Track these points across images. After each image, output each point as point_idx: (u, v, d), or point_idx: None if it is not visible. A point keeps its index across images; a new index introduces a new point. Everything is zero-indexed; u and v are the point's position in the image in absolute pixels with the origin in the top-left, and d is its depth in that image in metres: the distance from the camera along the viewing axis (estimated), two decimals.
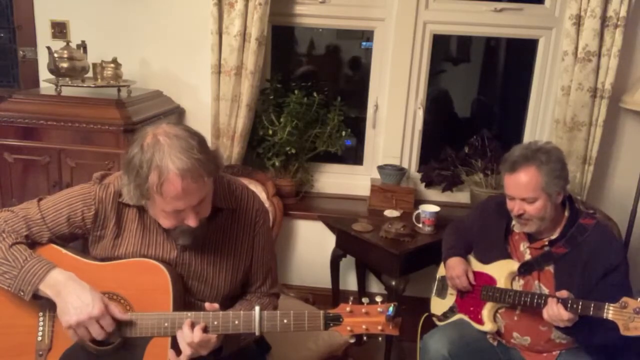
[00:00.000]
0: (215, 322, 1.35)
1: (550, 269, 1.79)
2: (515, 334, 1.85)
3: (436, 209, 2.51)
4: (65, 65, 2.44)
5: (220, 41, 2.65)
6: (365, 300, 1.36)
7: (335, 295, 2.82)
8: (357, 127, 3.07)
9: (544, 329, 1.79)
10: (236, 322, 1.35)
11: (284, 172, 2.90)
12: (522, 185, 1.74)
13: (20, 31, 2.95)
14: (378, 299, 1.36)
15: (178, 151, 1.25)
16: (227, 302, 1.52)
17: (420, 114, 2.93)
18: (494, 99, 3.39)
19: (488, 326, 1.87)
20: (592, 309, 1.54)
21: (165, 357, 1.37)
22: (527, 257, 1.86)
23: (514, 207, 1.78)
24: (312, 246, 2.93)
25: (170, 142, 1.27)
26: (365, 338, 1.36)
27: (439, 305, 2.10)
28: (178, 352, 1.35)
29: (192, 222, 1.33)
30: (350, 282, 2.99)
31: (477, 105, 3.33)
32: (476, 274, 1.95)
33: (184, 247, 1.46)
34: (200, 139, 1.32)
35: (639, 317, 1.45)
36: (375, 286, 2.98)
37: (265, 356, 1.75)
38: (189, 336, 1.32)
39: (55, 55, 2.43)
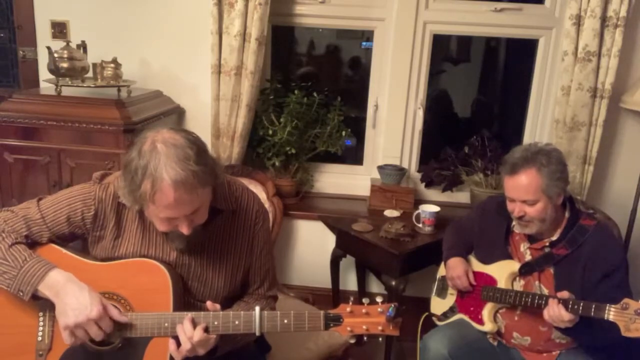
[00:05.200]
0: (216, 322, 1.35)
1: (551, 269, 1.79)
2: (515, 334, 1.85)
3: (436, 209, 2.51)
4: (65, 65, 2.43)
5: (220, 41, 2.65)
6: (365, 300, 1.36)
7: (335, 296, 2.82)
8: (357, 127, 3.06)
9: (544, 329, 1.79)
10: (236, 322, 1.35)
11: (284, 172, 2.89)
12: (522, 188, 1.74)
13: (20, 31, 2.95)
14: (378, 299, 1.36)
15: (174, 161, 1.24)
16: (227, 303, 1.52)
17: (420, 114, 2.93)
18: (494, 99, 3.39)
19: (488, 326, 1.87)
20: (593, 310, 1.53)
21: (165, 357, 1.38)
22: (528, 257, 1.86)
23: (515, 209, 1.78)
24: (312, 246, 2.92)
25: (167, 150, 1.25)
26: (365, 338, 1.36)
27: (439, 305, 2.10)
28: (179, 344, 1.35)
29: (184, 230, 1.33)
30: (350, 282, 2.99)
31: (477, 105, 3.33)
32: (476, 274, 1.95)
33: (182, 249, 1.46)
34: (199, 149, 1.30)
35: None
36: (375, 286, 2.97)
37: (265, 356, 1.75)
38: (189, 331, 1.32)
39: (55, 55, 2.43)
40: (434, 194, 2.99)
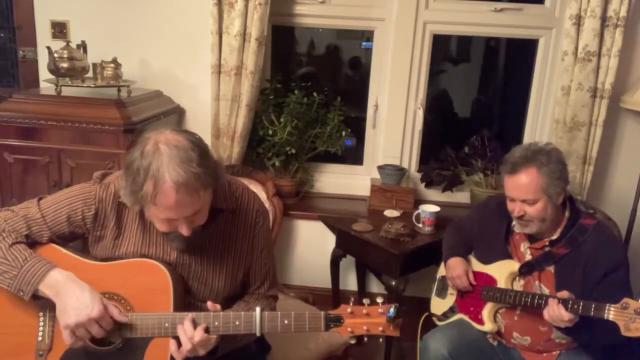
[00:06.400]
0: (216, 323, 1.35)
1: (551, 269, 1.79)
2: (515, 334, 1.85)
3: (436, 209, 2.51)
4: (65, 65, 2.44)
5: (220, 41, 2.65)
6: (366, 301, 1.36)
7: (335, 296, 2.82)
8: (357, 127, 3.07)
9: (544, 329, 1.79)
10: (237, 322, 1.35)
11: (284, 172, 2.90)
12: (522, 187, 1.74)
13: (20, 31, 2.95)
14: (379, 299, 1.36)
15: (176, 163, 1.24)
16: (227, 303, 1.52)
17: (420, 114, 2.93)
18: (494, 99, 3.39)
19: (488, 326, 1.87)
20: (592, 309, 1.53)
21: (166, 357, 1.38)
22: (528, 257, 1.86)
23: (515, 208, 1.78)
24: (312, 246, 2.92)
25: (169, 152, 1.25)
26: (365, 339, 1.36)
27: (439, 305, 2.10)
28: (179, 344, 1.35)
29: (184, 231, 1.33)
30: (350, 282, 2.99)
31: (477, 105, 3.33)
32: (476, 274, 1.95)
33: (182, 249, 1.46)
34: (201, 151, 1.30)
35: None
36: (375, 286, 2.97)
37: (265, 356, 1.75)
38: (190, 331, 1.32)
39: (55, 55, 2.43)
40: (434, 194, 2.99)
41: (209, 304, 1.38)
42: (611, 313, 1.50)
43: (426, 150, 3.03)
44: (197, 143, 1.31)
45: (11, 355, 1.39)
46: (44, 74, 2.79)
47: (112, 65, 2.52)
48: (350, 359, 2.20)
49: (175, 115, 2.88)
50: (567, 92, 2.59)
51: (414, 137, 2.99)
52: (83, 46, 2.58)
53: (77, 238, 1.50)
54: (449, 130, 3.29)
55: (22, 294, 1.33)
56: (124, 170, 1.32)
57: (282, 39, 3.08)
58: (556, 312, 1.58)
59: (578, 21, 2.50)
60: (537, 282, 1.82)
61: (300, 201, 2.93)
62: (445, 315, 2.04)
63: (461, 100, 3.32)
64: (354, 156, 3.17)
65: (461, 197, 2.95)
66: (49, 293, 1.33)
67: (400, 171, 2.86)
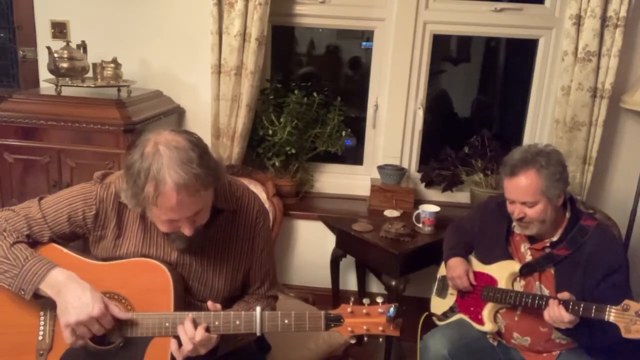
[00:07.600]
0: (217, 322, 1.35)
1: (551, 270, 1.79)
2: (515, 334, 1.85)
3: (436, 209, 2.51)
4: (65, 65, 2.44)
5: (220, 41, 2.65)
6: (366, 301, 1.36)
7: (335, 296, 2.82)
8: (357, 127, 3.07)
9: (544, 330, 1.79)
10: (237, 322, 1.36)
11: (284, 172, 2.90)
12: (522, 189, 1.74)
13: (20, 31, 2.95)
14: (379, 299, 1.36)
15: (176, 164, 1.24)
16: (227, 303, 1.52)
17: (420, 114, 2.93)
18: (494, 99, 3.39)
19: (488, 326, 1.87)
20: (593, 311, 1.53)
21: (166, 356, 1.38)
22: (528, 258, 1.86)
23: (515, 210, 1.78)
24: (312, 246, 2.93)
25: (169, 153, 1.25)
26: (365, 338, 1.36)
27: (439, 305, 2.10)
28: (180, 343, 1.35)
29: (186, 231, 1.33)
30: (350, 282, 2.99)
31: (477, 105, 3.33)
32: (477, 274, 1.95)
33: (183, 249, 1.46)
34: (201, 151, 1.30)
35: None
36: (375, 286, 2.98)
37: (265, 356, 1.75)
38: (190, 331, 1.32)
39: (55, 55, 2.43)
40: (434, 194, 2.99)
41: (209, 303, 1.38)
42: (612, 315, 1.50)
43: (426, 150, 3.04)
44: (196, 143, 1.31)
45: (12, 355, 1.39)
46: (44, 74, 2.79)
47: (112, 65, 2.52)
48: (350, 359, 2.20)
49: (175, 115, 2.88)
50: (567, 92, 2.59)
51: (414, 137, 2.99)
52: (83, 46, 2.58)
53: (78, 238, 1.50)
54: (449, 130, 3.29)
55: (23, 293, 1.33)
56: (124, 173, 1.32)
57: (282, 39, 3.08)
58: (557, 314, 1.59)
59: (578, 21, 2.50)
60: (537, 283, 1.82)
61: (300, 201, 2.93)
62: (445, 315, 2.04)
63: (461, 100, 3.32)
64: (354, 156, 3.17)
65: (461, 197, 2.95)
66: (50, 292, 1.33)
67: (400, 171, 2.86)
